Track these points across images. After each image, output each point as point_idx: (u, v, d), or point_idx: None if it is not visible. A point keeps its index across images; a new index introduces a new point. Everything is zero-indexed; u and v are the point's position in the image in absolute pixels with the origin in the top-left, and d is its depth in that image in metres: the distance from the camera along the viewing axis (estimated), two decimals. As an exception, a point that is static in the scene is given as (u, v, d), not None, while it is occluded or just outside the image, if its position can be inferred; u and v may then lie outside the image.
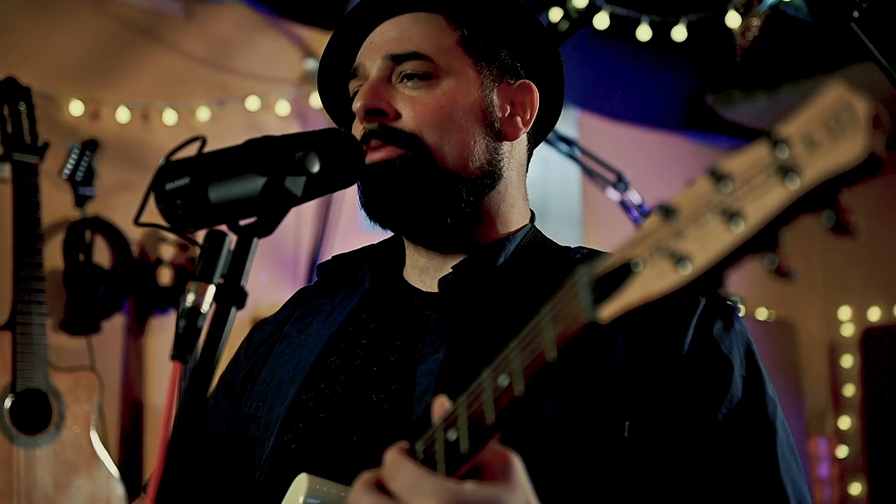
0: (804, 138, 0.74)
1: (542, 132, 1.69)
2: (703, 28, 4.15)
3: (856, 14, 2.02)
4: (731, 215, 0.76)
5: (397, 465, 1.02)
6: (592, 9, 4.15)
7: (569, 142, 4.46)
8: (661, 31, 4.23)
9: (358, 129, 1.53)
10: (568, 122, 5.73)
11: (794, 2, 3.29)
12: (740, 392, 1.35)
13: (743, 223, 0.76)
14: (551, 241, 1.63)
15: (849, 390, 6.19)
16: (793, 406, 6.03)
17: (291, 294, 1.80)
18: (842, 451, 6.10)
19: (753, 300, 6.00)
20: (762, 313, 6.18)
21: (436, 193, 1.49)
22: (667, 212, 0.82)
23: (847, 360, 6.23)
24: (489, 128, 1.55)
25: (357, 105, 1.50)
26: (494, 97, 1.56)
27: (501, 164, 1.57)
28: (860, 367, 6.14)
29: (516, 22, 1.61)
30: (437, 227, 1.53)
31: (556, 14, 4.24)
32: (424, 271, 1.59)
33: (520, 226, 1.61)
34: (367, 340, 1.56)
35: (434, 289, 1.55)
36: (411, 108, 1.50)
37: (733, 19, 3.75)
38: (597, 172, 4.36)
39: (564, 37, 4.31)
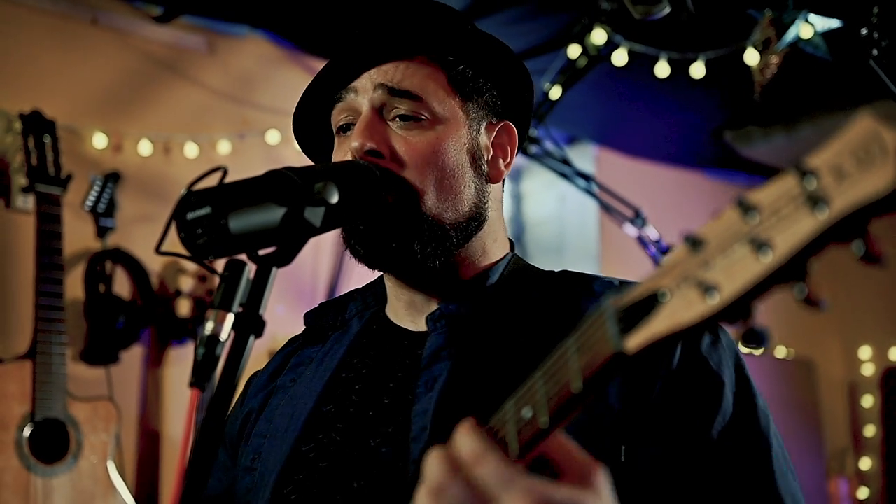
0: (833, 169, 0.74)
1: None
2: (722, 65, 4.16)
3: (875, 52, 2.03)
4: (759, 245, 0.77)
5: (486, 452, 0.97)
6: (611, 46, 4.17)
7: (586, 177, 4.47)
8: (680, 67, 4.25)
9: None
10: (586, 158, 5.74)
11: (813, 40, 3.30)
12: (731, 407, 1.35)
13: (772, 253, 0.76)
14: (533, 266, 1.63)
15: (869, 431, 6.13)
16: (812, 446, 5.96)
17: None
18: (862, 493, 6.02)
19: (773, 339, 5.96)
20: (781, 352, 6.14)
21: (425, 239, 1.48)
22: (694, 242, 0.82)
23: (867, 400, 6.17)
24: (477, 171, 1.55)
25: (356, 144, 1.48)
26: (481, 139, 1.57)
27: (487, 205, 1.57)
28: (881, 407, 6.08)
29: (499, 60, 1.61)
30: (424, 269, 1.52)
31: (574, 51, 4.27)
32: (411, 306, 1.58)
33: (501, 256, 1.61)
34: (361, 386, 1.55)
35: (421, 326, 1.54)
36: (407, 150, 1.48)
37: (752, 56, 3.76)
38: (614, 208, 4.37)
39: (583, 73, 4.34)
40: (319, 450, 1.50)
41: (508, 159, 1.61)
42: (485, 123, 1.58)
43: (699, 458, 1.32)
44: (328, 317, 1.69)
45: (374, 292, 1.67)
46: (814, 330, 6.11)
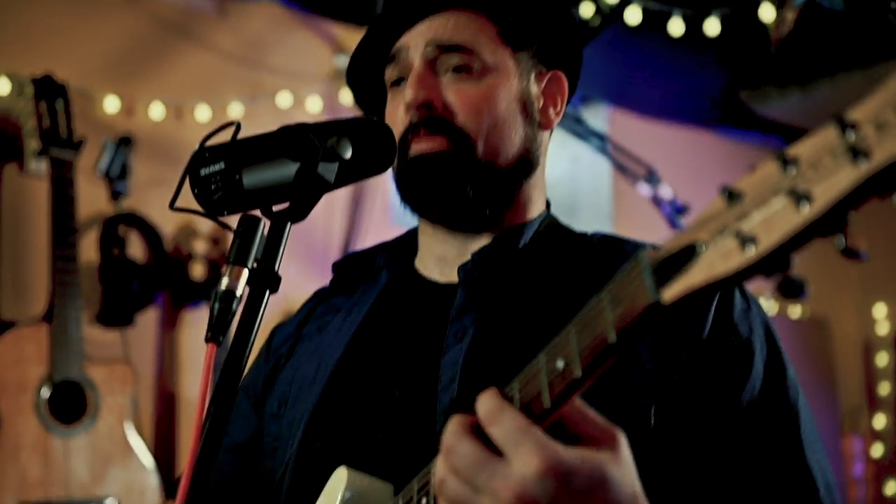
0: (874, 121, 0.74)
1: None
2: (737, 22, 4.12)
3: (894, 6, 2.01)
4: (798, 197, 0.77)
5: (500, 410, 0.97)
6: (624, 3, 4.13)
7: (600, 137, 4.45)
8: (694, 25, 4.21)
9: (403, 119, 1.54)
10: (599, 118, 5.71)
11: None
12: (762, 376, 1.35)
13: (811, 204, 0.76)
14: (567, 226, 1.64)
15: (884, 388, 6.13)
16: (827, 404, 5.97)
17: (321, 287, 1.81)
18: (877, 450, 6.04)
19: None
20: (796, 312, 6.13)
21: (479, 185, 1.52)
22: (731, 195, 0.82)
23: (882, 358, 6.17)
24: (529, 118, 1.58)
25: (409, 96, 1.51)
26: (532, 88, 1.59)
27: (538, 152, 1.60)
28: (895, 364, 6.08)
29: (550, 9, 1.63)
30: (471, 214, 1.55)
31: (587, 9, 4.23)
32: (442, 260, 1.59)
33: (538, 212, 1.62)
34: (389, 336, 1.56)
35: (452, 279, 1.55)
36: (458, 100, 1.52)
37: (767, 12, 3.72)
38: (628, 168, 4.35)
39: (596, 32, 4.30)
40: (344, 398, 1.52)
41: (559, 108, 1.63)
42: (535, 73, 1.60)
43: (728, 425, 1.32)
44: (357, 267, 1.71)
45: (405, 246, 1.69)
46: (828, 287, 6.09)
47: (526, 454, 0.92)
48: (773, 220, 0.78)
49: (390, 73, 1.60)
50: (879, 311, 6.21)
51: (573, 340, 0.95)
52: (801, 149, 0.79)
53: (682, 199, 4.99)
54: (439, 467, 0.99)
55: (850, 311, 6.35)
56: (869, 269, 6.13)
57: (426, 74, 1.53)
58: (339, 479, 1.34)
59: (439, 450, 1.00)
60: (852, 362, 6.30)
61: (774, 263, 0.79)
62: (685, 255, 0.84)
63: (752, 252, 0.79)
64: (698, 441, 1.32)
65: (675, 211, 4.36)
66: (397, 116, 1.55)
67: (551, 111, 1.62)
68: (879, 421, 6.09)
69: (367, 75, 1.68)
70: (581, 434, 0.98)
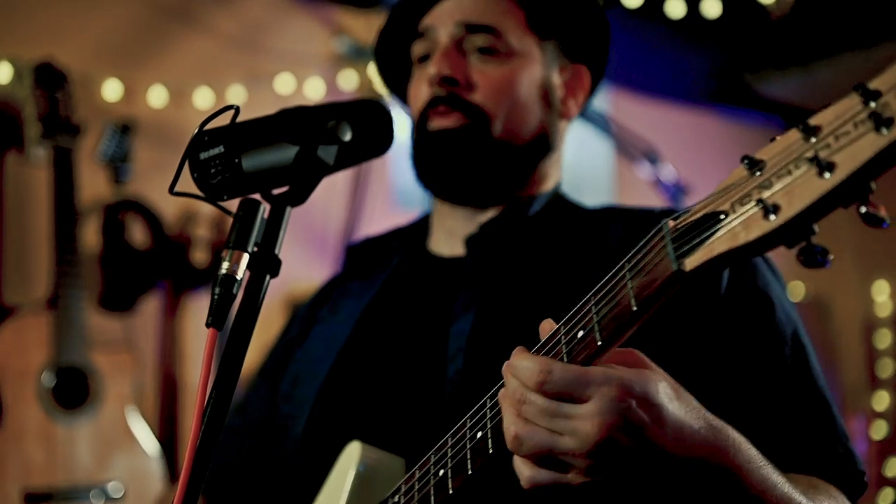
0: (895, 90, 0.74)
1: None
2: (737, 5, 4.10)
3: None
4: (821, 165, 0.76)
5: (549, 363, 0.98)
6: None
7: (601, 117, 4.43)
8: (693, 6, 4.19)
9: (425, 92, 1.55)
10: (600, 99, 5.69)
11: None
12: (786, 321, 1.41)
13: (834, 172, 0.76)
14: (576, 202, 1.65)
15: (885, 369, 6.13)
16: (828, 384, 5.97)
17: (324, 272, 1.82)
18: (878, 430, 6.04)
19: (787, 276, 5.94)
20: (796, 294, 6.12)
21: (494, 164, 1.54)
22: (752, 164, 0.82)
23: (883, 337, 6.16)
24: (549, 106, 1.60)
25: (433, 71, 1.54)
26: (555, 78, 1.62)
27: (556, 137, 1.63)
28: (896, 344, 6.08)
29: (579, 4, 1.64)
30: (484, 190, 1.57)
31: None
32: (451, 234, 1.61)
33: (547, 189, 1.63)
34: (397, 312, 1.58)
35: (460, 251, 1.57)
36: (482, 80, 1.54)
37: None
38: (629, 148, 4.34)
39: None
40: (353, 373, 1.54)
41: (580, 101, 1.66)
42: (559, 64, 1.63)
43: (752, 364, 1.37)
44: (371, 251, 1.73)
45: (418, 229, 1.71)
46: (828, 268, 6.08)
47: (596, 388, 0.95)
48: (796, 189, 0.78)
49: (418, 50, 1.61)
50: (879, 289, 6.20)
51: (593, 310, 0.96)
52: (823, 118, 0.78)
53: (684, 179, 4.98)
54: (508, 423, 1.00)
55: (849, 290, 6.34)
56: (867, 248, 6.12)
57: (452, 51, 1.55)
58: (352, 453, 1.35)
59: (501, 396, 1.03)
60: (853, 342, 6.30)
61: (798, 232, 0.79)
62: (708, 224, 0.84)
63: (775, 220, 0.79)
64: (723, 387, 1.33)
65: (677, 191, 4.35)
66: (420, 91, 1.56)
67: (571, 103, 1.64)
68: (881, 401, 6.09)
69: (393, 51, 1.70)
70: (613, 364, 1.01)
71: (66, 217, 3.42)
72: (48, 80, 3.57)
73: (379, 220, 1.68)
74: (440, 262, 1.61)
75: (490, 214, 1.58)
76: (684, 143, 5.68)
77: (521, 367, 0.99)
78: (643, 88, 5.85)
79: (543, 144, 1.60)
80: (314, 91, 4.51)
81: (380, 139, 1.31)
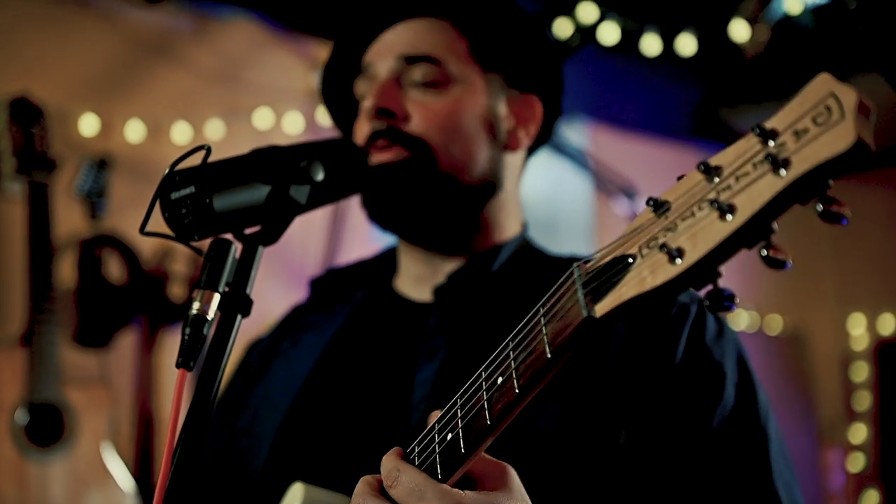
0: (792, 129, 0.74)
1: (538, 144, 1.70)
2: (711, 40, 4.15)
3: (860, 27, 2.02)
4: (722, 207, 0.76)
5: (398, 470, 1.02)
6: (600, 19, 4.16)
7: (579, 153, 4.46)
8: (669, 42, 4.24)
9: (365, 128, 1.53)
10: (578, 133, 5.72)
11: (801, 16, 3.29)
12: (733, 399, 1.36)
13: (735, 214, 0.76)
14: (542, 250, 1.64)
15: (861, 401, 6.15)
16: (805, 417, 5.99)
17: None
18: (855, 463, 6.05)
19: (764, 308, 5.97)
20: (774, 327, 6.14)
21: (438, 197, 1.51)
22: (657, 206, 0.82)
23: (859, 370, 6.19)
24: (494, 137, 1.56)
25: (368, 104, 1.51)
26: (500, 107, 1.57)
27: (503, 173, 1.58)
28: (874, 379, 6.10)
29: (525, 35, 1.62)
30: (436, 230, 1.53)
31: (565, 27, 4.25)
32: (419, 279, 1.59)
33: (513, 233, 1.61)
34: (361, 351, 1.56)
35: (427, 297, 1.55)
36: (420, 112, 1.51)
37: (738, 30, 3.76)
38: (606, 183, 4.36)
39: (574, 50, 4.32)
40: (314, 411, 1.51)
41: (531, 130, 1.61)
42: (506, 94, 1.59)
43: (698, 446, 1.33)
44: (335, 283, 1.70)
45: (384, 263, 1.68)
46: (804, 300, 6.11)
47: None
48: (699, 232, 0.78)
49: (360, 88, 1.59)
50: (855, 322, 6.24)
51: (511, 356, 0.96)
52: (724, 158, 0.78)
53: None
54: None
55: (826, 323, 6.37)
56: (844, 280, 6.16)
57: (388, 84, 1.52)
58: (295, 494, 1.33)
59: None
60: (830, 375, 6.32)
61: (703, 275, 0.79)
62: (616, 268, 0.84)
63: (680, 265, 0.78)
64: (668, 462, 1.32)
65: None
66: (362, 127, 1.54)
67: (521, 133, 1.60)
68: (858, 433, 6.10)
69: (339, 89, 1.67)
70: (479, 477, 1.03)
71: (42, 252, 3.40)
72: (24, 114, 3.56)
73: (357, 256, 1.66)
74: (406, 304, 1.59)
75: (457, 263, 1.56)
76: (662, 179, 5.69)
77: (382, 466, 1.06)
78: (621, 124, 5.89)
79: (489, 183, 1.56)
80: (293, 126, 4.52)
81: (353, 179, 1.32)
